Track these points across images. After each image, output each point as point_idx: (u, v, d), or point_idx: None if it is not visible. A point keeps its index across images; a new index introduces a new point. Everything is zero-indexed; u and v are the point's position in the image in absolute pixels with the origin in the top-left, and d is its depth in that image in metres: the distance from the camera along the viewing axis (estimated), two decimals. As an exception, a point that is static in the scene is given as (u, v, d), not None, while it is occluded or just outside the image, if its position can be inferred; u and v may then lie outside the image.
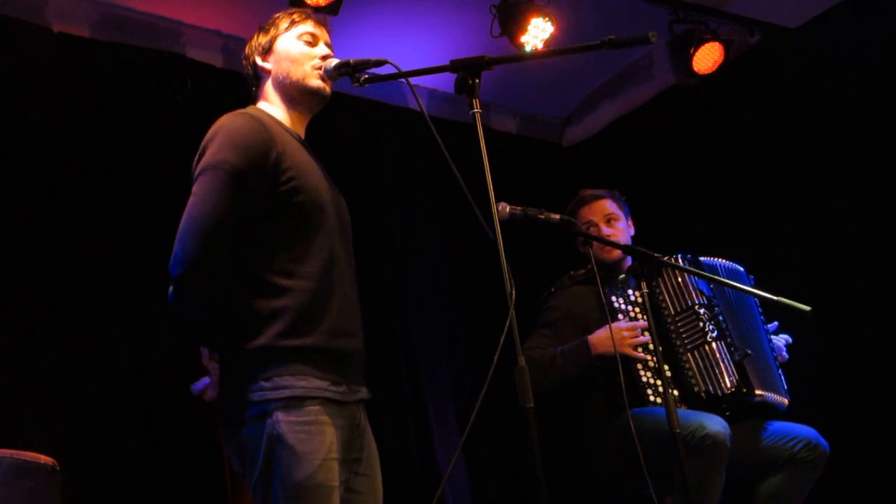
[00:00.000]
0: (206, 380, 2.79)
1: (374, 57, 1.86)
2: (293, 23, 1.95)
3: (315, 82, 1.91)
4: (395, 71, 1.82)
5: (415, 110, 3.96)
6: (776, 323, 2.99)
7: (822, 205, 3.74)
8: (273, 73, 1.93)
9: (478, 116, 1.75)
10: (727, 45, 3.82)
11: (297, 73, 1.91)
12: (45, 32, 3.17)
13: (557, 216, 2.47)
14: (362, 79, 1.88)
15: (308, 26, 1.96)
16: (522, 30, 3.55)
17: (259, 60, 1.95)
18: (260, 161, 1.74)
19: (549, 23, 3.54)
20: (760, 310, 2.98)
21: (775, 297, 2.23)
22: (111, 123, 3.23)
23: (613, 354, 2.62)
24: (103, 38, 3.32)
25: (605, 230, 2.98)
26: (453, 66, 1.76)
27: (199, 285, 1.70)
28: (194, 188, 1.74)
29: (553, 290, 3.02)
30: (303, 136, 1.95)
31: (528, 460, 1.59)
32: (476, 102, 1.75)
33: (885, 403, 3.43)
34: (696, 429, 2.51)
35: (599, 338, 2.73)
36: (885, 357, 3.47)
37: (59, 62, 3.15)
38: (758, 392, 2.75)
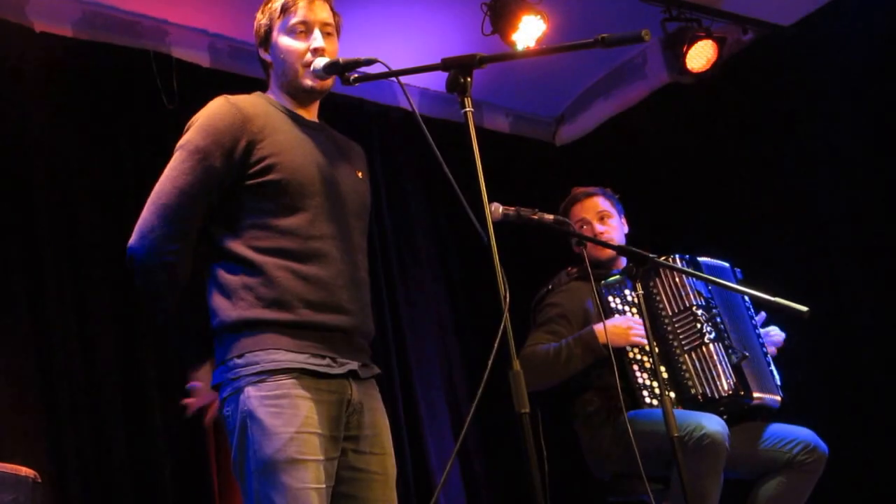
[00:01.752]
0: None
1: (363, 55, 1.83)
2: (285, 10, 1.91)
3: (308, 82, 1.91)
4: (386, 70, 1.79)
5: (406, 109, 3.91)
6: (763, 314, 2.96)
7: (817, 202, 3.72)
8: (273, 66, 1.95)
9: (470, 115, 1.71)
10: (720, 43, 3.80)
11: (290, 73, 1.92)
12: (27, 32, 3.11)
13: (551, 217, 2.43)
14: (352, 78, 1.86)
15: (299, 14, 1.90)
16: (514, 28, 3.51)
17: (262, 53, 1.97)
18: (227, 142, 1.79)
19: (541, 20, 3.51)
20: (748, 304, 2.95)
21: (772, 298, 2.20)
22: (95, 124, 3.18)
23: (619, 347, 2.61)
24: (86, 37, 3.26)
25: (598, 227, 2.96)
26: (445, 65, 1.73)
27: (157, 257, 1.75)
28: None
29: (550, 287, 2.98)
30: (312, 117, 1.96)
31: (524, 466, 1.56)
32: (468, 101, 1.72)
33: (883, 405, 3.41)
34: (693, 429, 2.48)
35: (605, 328, 2.66)
36: (883, 358, 3.45)
37: (41, 62, 3.08)
38: (755, 395, 2.73)
